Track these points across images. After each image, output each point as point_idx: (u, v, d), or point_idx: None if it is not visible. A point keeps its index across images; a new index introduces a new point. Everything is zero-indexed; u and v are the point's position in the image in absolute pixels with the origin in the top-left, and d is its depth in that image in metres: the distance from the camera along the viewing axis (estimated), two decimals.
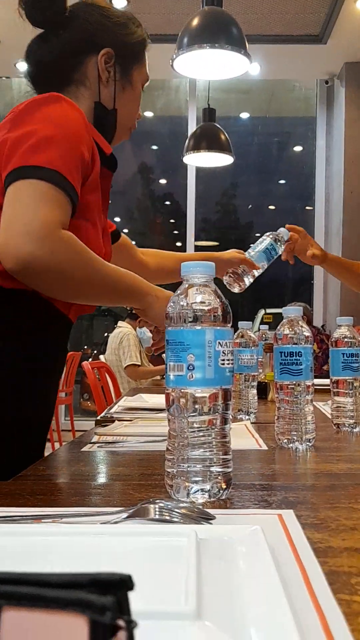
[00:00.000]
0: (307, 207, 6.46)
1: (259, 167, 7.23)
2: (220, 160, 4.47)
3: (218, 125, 4.37)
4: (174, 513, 0.64)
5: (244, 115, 6.89)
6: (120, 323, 4.65)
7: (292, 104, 6.92)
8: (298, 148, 7.00)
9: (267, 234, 1.90)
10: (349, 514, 0.70)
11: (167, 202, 7.36)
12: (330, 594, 0.48)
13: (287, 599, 0.44)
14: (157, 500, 0.67)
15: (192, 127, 6.06)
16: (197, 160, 4.57)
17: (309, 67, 5.81)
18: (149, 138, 7.19)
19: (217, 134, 4.31)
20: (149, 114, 6.92)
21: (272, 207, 7.44)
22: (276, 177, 7.30)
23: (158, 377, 4.22)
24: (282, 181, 7.34)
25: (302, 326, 1.18)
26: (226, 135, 4.33)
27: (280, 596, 0.44)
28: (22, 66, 5.85)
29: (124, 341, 4.40)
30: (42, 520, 0.65)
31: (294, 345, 1.16)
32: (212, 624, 0.41)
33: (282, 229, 1.93)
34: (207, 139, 4.29)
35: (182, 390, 0.76)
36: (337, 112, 5.89)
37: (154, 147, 7.34)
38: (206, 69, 2.67)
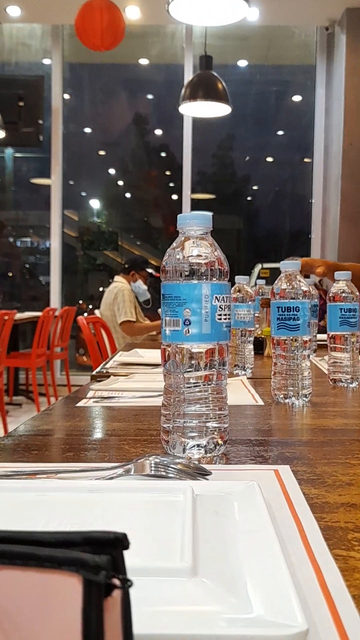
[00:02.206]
0: (306, 159, 6.35)
1: (257, 117, 7.08)
2: (217, 110, 4.37)
3: (215, 74, 4.26)
4: (169, 469, 0.64)
5: (242, 63, 6.71)
6: (116, 278, 4.62)
7: (291, 52, 6.72)
8: (297, 98, 6.84)
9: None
10: (346, 469, 0.70)
11: (163, 154, 7.23)
12: (327, 549, 0.48)
13: (284, 554, 0.44)
14: (153, 456, 0.66)
15: (188, 76, 5.91)
16: (194, 110, 4.47)
17: (309, 13, 5.63)
18: (144, 87, 7.00)
19: (214, 83, 4.20)
20: (143, 61, 6.73)
21: (270, 159, 7.31)
22: (274, 128, 7.16)
23: (154, 333, 4.22)
24: (280, 132, 7.20)
25: (299, 281, 1.16)
26: (223, 84, 4.22)
27: (276, 552, 0.44)
28: (14, 10, 5.63)
29: (119, 297, 4.38)
30: (37, 476, 0.64)
31: (291, 300, 1.14)
32: (208, 580, 0.41)
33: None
34: (203, 88, 4.19)
35: (178, 346, 0.75)
36: (337, 60, 5.73)
37: (149, 97, 7.16)
38: (203, 15, 2.58)
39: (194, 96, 4.19)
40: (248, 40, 6.46)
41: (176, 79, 6.11)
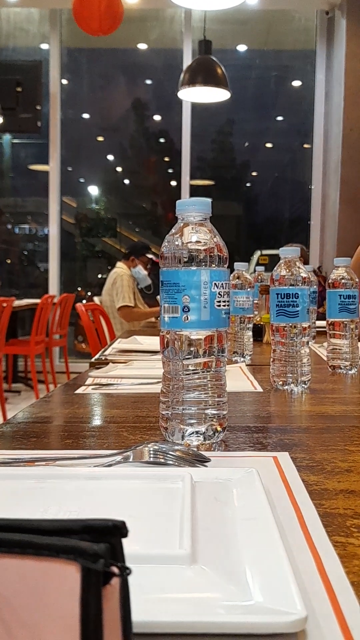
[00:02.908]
0: (305, 145, 6.31)
1: (256, 102, 7.02)
2: (216, 95, 4.34)
3: (214, 59, 4.22)
4: (168, 456, 0.64)
5: (241, 48, 6.64)
6: (117, 264, 4.61)
7: (291, 36, 6.66)
8: (297, 83, 6.78)
9: None
10: (344, 456, 0.70)
11: (162, 140, 7.18)
12: (326, 536, 0.48)
13: (283, 541, 0.44)
14: (152, 443, 0.66)
15: (187, 60, 5.85)
16: (193, 95, 4.43)
17: None
18: (143, 71, 6.94)
19: (214, 68, 4.17)
20: (142, 45, 6.67)
21: (269, 144, 7.27)
22: (274, 114, 7.11)
23: (153, 319, 4.21)
24: (279, 118, 7.15)
25: (299, 267, 1.16)
26: (223, 68, 4.19)
27: (275, 539, 0.44)
28: None
29: (117, 282, 4.37)
30: (36, 463, 0.64)
31: (290, 287, 1.14)
32: (207, 567, 0.41)
33: None
34: (203, 73, 4.15)
35: (177, 333, 0.74)
36: (337, 44, 5.68)
37: (148, 82, 7.10)
38: None
39: (193, 81, 4.16)
40: (247, 25, 6.40)
41: (175, 64, 6.06)
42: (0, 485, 0.55)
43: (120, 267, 4.51)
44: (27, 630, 0.25)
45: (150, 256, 4.64)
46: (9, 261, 7.26)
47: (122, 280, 4.37)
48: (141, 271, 4.52)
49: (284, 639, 0.35)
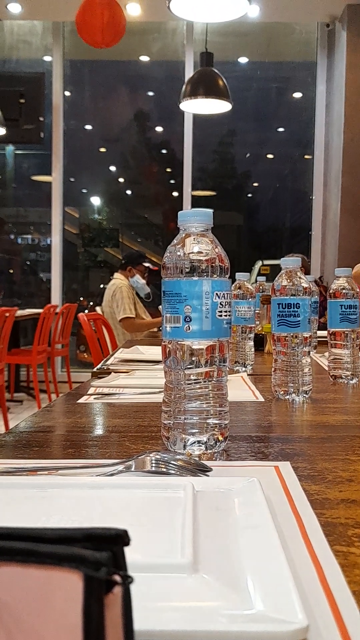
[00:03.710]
0: (306, 156, 6.34)
1: (257, 114, 7.06)
2: (218, 106, 4.36)
3: (216, 70, 4.25)
4: (170, 465, 0.64)
5: (243, 60, 6.69)
6: (114, 275, 4.62)
7: (291, 48, 6.70)
8: (297, 94, 6.82)
9: None
10: (346, 465, 0.70)
11: (164, 151, 7.22)
12: (327, 545, 0.48)
13: (284, 550, 0.44)
14: (154, 452, 0.66)
15: (189, 72, 5.89)
16: (194, 107, 4.46)
17: (309, 9, 5.62)
18: (145, 83, 6.99)
19: (215, 79, 4.19)
20: (144, 57, 6.71)
21: (270, 155, 7.30)
22: (275, 125, 7.14)
23: (154, 329, 4.21)
24: (280, 129, 7.18)
25: (300, 277, 1.16)
26: (224, 80, 4.21)
27: (277, 548, 0.44)
28: (14, 7, 5.62)
29: (117, 294, 4.37)
30: (38, 473, 0.64)
31: (291, 297, 1.14)
32: (209, 576, 0.41)
33: None
34: (204, 85, 4.18)
35: (179, 343, 0.75)
36: (338, 56, 5.71)
37: (150, 93, 7.14)
38: (204, 11, 2.57)
39: (194, 93, 4.18)
40: (249, 37, 6.44)
41: (177, 76, 6.10)
42: (3, 494, 0.55)
43: (118, 277, 4.52)
44: (30, 637, 0.25)
45: (147, 264, 4.65)
46: (11, 271, 7.28)
47: (121, 292, 4.37)
48: (139, 280, 4.52)
49: None
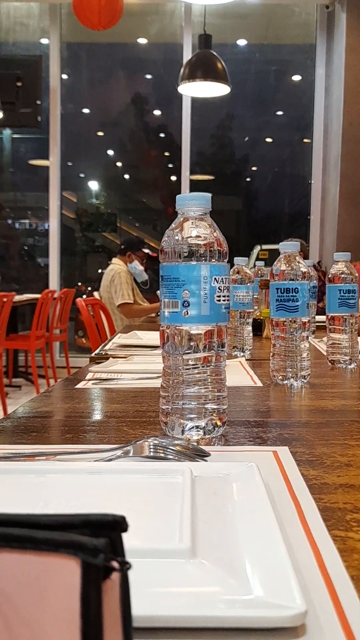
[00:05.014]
0: (305, 140, 6.30)
1: (256, 97, 7.01)
2: (216, 90, 4.33)
3: (214, 53, 4.20)
4: (168, 450, 0.64)
5: (241, 42, 6.62)
6: (113, 260, 4.60)
7: (291, 31, 6.63)
8: (296, 77, 6.76)
9: None
10: (344, 450, 0.70)
11: (162, 135, 7.17)
12: (325, 530, 0.48)
13: (282, 535, 0.44)
14: (152, 438, 0.66)
15: (187, 55, 5.83)
16: (193, 90, 4.42)
17: None
18: (143, 66, 6.92)
19: (214, 62, 4.15)
20: (142, 40, 6.64)
21: (269, 139, 7.25)
22: (273, 108, 7.09)
23: (153, 315, 4.21)
24: (279, 112, 7.13)
25: (299, 262, 1.16)
26: (223, 63, 4.17)
27: (275, 533, 0.44)
28: None
29: (115, 279, 4.36)
30: (36, 458, 0.64)
31: (290, 282, 1.14)
32: (207, 561, 0.41)
33: None
34: (203, 67, 4.14)
35: (177, 328, 0.74)
36: (337, 38, 5.66)
37: (148, 76, 7.08)
38: None
39: (193, 76, 4.14)
40: (247, 19, 6.37)
41: (175, 58, 6.04)
42: (1, 480, 0.55)
43: (117, 263, 4.50)
44: (27, 624, 0.25)
45: (146, 251, 4.63)
46: (9, 256, 7.26)
47: (119, 277, 4.36)
48: (138, 266, 4.50)
49: (283, 633, 0.35)
